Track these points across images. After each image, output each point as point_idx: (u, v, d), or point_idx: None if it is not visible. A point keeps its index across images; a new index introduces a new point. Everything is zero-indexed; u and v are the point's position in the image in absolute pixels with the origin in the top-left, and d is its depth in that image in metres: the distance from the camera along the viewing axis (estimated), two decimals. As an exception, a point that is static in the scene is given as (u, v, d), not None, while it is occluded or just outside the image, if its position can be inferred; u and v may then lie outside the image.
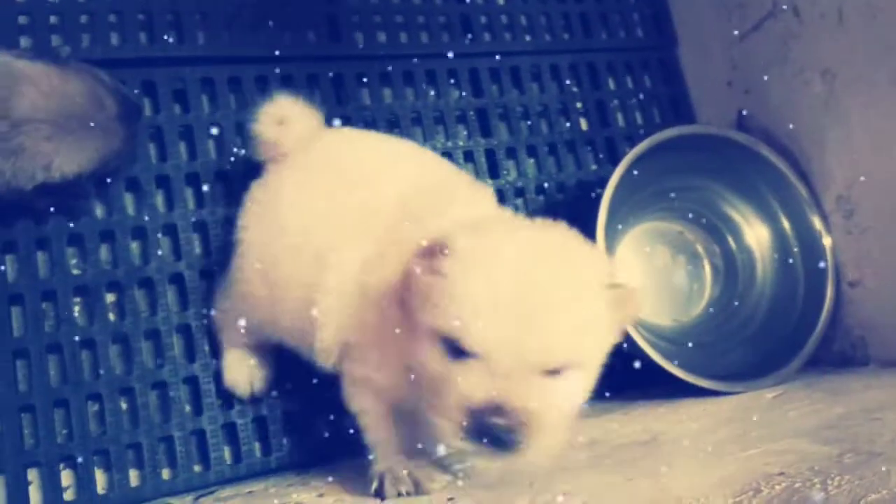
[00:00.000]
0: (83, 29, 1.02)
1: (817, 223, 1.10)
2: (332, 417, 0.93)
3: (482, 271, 0.61)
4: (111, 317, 0.96)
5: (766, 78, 1.16)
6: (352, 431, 0.80)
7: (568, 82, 1.26)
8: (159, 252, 0.99)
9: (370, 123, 1.12)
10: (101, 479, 0.91)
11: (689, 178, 1.16)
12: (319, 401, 0.90)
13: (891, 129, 0.99)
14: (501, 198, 1.15)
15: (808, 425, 0.81)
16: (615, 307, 0.65)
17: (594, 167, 1.24)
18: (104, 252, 0.98)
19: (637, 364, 1.01)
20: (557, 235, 0.68)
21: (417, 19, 1.20)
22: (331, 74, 1.12)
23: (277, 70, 1.09)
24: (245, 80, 1.08)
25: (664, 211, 1.20)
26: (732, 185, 1.17)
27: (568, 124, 1.24)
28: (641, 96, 1.30)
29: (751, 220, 1.18)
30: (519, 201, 1.18)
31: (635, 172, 1.05)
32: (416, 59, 1.17)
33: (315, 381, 0.85)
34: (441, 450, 0.64)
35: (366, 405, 0.78)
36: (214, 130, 1.04)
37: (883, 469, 0.64)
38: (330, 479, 0.85)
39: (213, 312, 0.95)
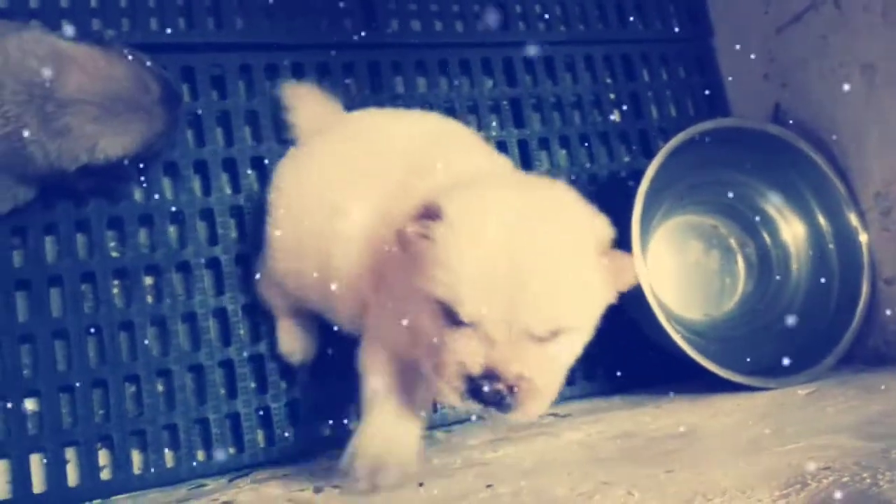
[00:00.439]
0: (123, 13, 1.03)
1: (854, 220, 1.08)
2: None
3: (474, 239, 0.61)
4: (149, 299, 0.97)
5: (804, 71, 1.14)
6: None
7: (602, 73, 1.25)
8: (197, 236, 1.00)
9: (404, 112, 1.12)
10: (136, 459, 0.92)
11: (724, 172, 1.15)
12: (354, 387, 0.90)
13: (933, 125, 0.98)
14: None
15: (847, 421, 0.80)
16: (610, 274, 0.65)
17: (627, 159, 1.23)
18: (143, 236, 0.99)
19: (669, 358, 1.01)
20: (553, 197, 0.68)
21: (452, 8, 1.20)
22: (366, 62, 1.13)
23: (313, 58, 1.10)
24: (281, 67, 1.08)
25: (698, 204, 1.19)
26: (768, 180, 1.15)
27: (601, 116, 1.23)
28: (676, 88, 1.29)
29: (786, 216, 1.16)
30: (551, 192, 1.18)
31: (670, 165, 1.04)
32: (450, 48, 1.17)
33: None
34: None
35: (375, 364, 0.76)
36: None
37: (932, 465, 0.63)
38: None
39: (258, 287, 0.97)
